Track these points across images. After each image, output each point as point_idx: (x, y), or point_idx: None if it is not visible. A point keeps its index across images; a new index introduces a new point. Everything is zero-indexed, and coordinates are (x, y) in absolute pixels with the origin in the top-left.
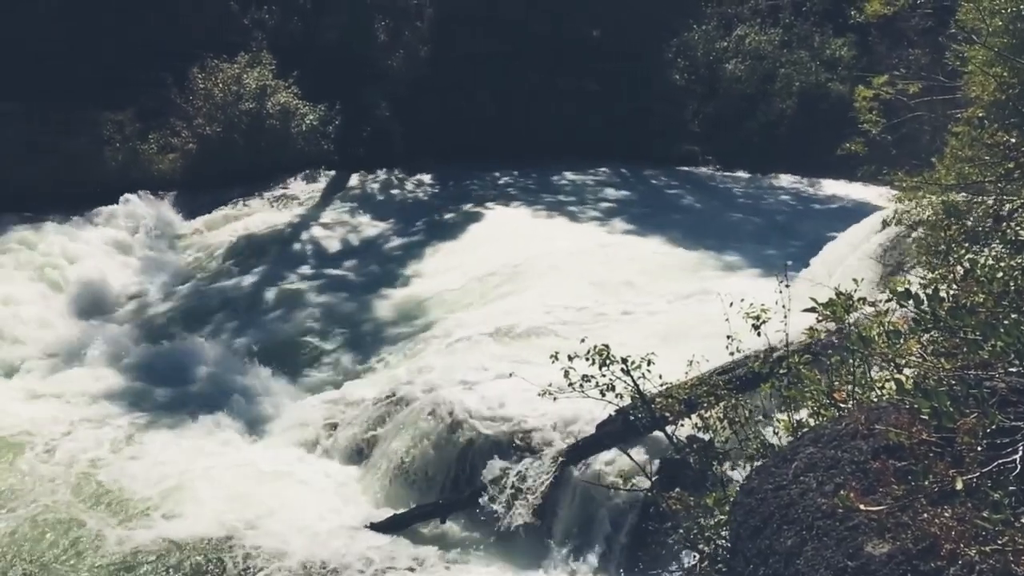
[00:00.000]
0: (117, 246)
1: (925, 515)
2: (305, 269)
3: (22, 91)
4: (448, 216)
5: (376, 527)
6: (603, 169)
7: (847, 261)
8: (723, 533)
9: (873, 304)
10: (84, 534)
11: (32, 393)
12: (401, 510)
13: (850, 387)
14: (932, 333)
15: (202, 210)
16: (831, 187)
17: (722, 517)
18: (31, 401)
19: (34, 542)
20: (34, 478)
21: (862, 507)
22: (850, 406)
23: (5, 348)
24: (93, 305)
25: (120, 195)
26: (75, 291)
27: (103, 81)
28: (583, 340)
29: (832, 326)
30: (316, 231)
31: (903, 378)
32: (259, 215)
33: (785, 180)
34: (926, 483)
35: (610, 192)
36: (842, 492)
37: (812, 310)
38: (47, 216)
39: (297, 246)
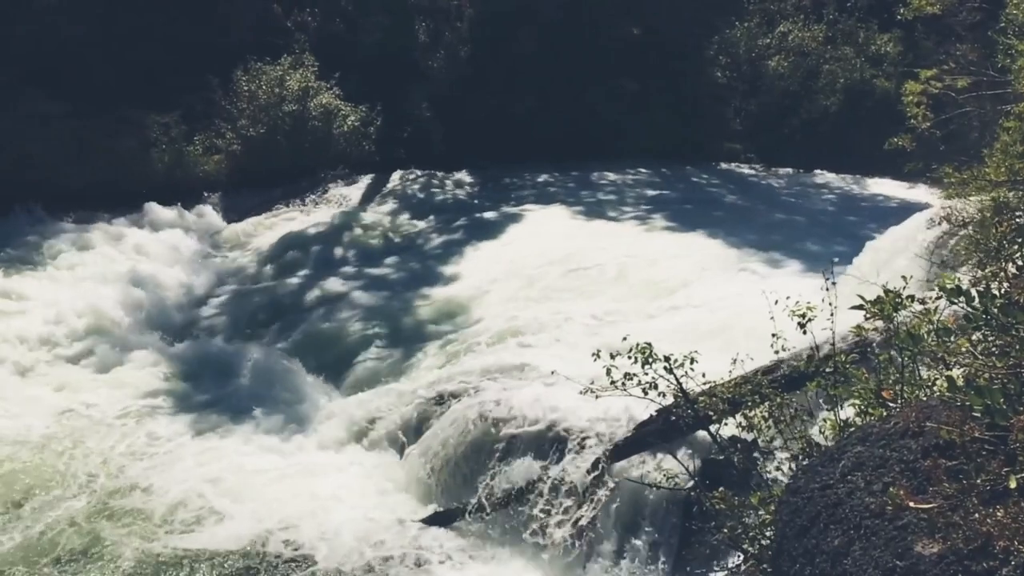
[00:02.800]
0: (163, 246)
1: (977, 514)
2: (347, 269)
3: (71, 93)
4: (488, 216)
5: (417, 523)
6: (643, 168)
7: (894, 259)
8: (768, 532)
9: (922, 302)
10: (118, 534)
11: (74, 390)
12: (442, 507)
13: (898, 386)
14: (983, 331)
15: (245, 211)
16: (876, 185)
17: (767, 516)
18: (72, 398)
19: (65, 544)
20: (67, 476)
21: (912, 505)
22: (898, 405)
23: (49, 345)
24: (138, 304)
25: (166, 196)
26: (121, 290)
27: (150, 83)
28: (625, 338)
29: (880, 324)
30: (357, 231)
31: (954, 375)
32: (301, 215)
33: (829, 178)
34: (978, 482)
35: (650, 191)
36: (892, 490)
37: (860, 307)
38: (96, 216)
39: (339, 246)
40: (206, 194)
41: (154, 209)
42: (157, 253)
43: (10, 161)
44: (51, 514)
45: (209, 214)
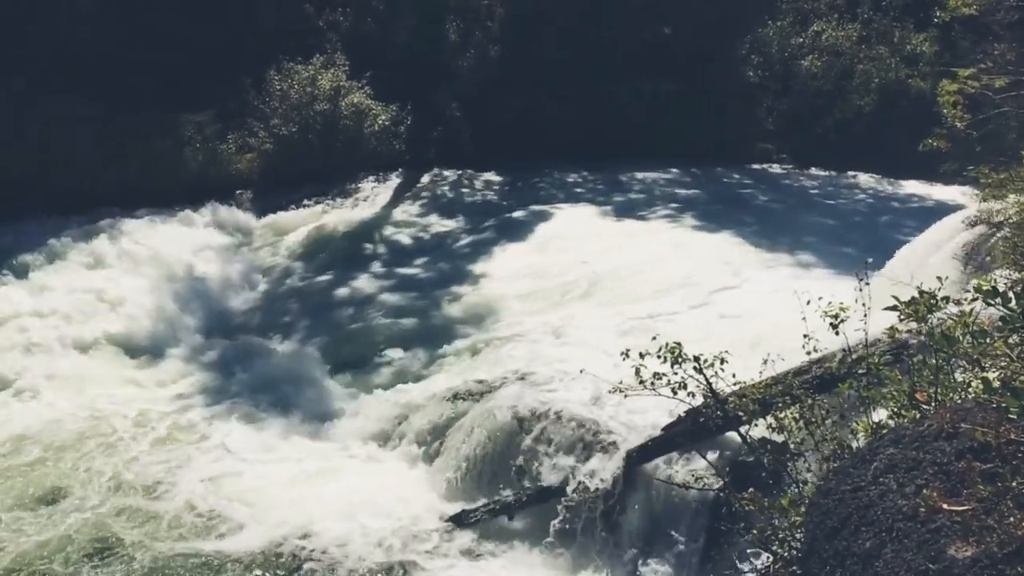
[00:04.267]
0: (195, 244)
1: (1012, 518)
2: (376, 267)
3: (108, 94)
4: (517, 216)
5: (445, 521)
6: (674, 169)
7: (929, 261)
8: (798, 534)
9: (958, 303)
10: (140, 535)
11: (105, 388)
12: (469, 505)
13: (933, 388)
14: (1021, 333)
15: (277, 209)
16: (911, 186)
17: (797, 518)
18: (102, 396)
19: (88, 543)
20: (93, 475)
21: (945, 508)
22: (932, 407)
23: (79, 344)
24: (171, 302)
25: (200, 194)
26: (153, 288)
27: (184, 84)
28: (654, 338)
29: (914, 326)
30: (387, 230)
31: (990, 377)
32: (332, 214)
33: (862, 179)
34: (1013, 484)
35: (681, 192)
36: (925, 492)
37: (894, 308)
38: (132, 214)
39: (368, 245)
40: (239, 192)
41: (189, 207)
42: (190, 251)
43: (45, 163)
44: (76, 514)
45: (241, 212)
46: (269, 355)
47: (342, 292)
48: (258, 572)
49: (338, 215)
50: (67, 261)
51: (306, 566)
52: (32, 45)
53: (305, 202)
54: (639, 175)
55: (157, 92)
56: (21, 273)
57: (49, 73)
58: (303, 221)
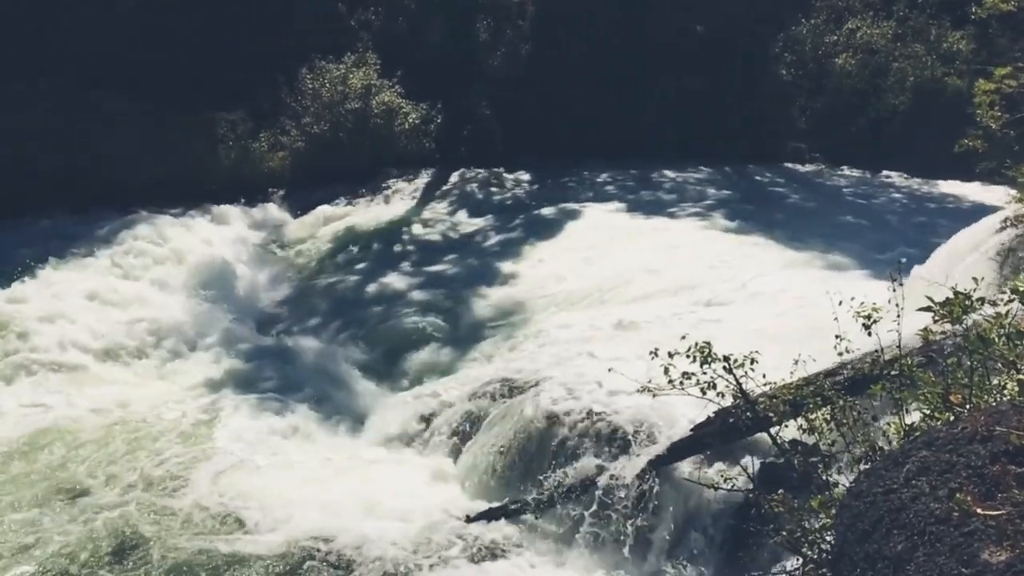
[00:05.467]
0: (227, 242)
1: None
2: (406, 265)
3: (142, 92)
4: (547, 214)
5: (471, 520)
6: (704, 167)
7: (965, 262)
8: (828, 537)
9: (993, 304)
10: (165, 532)
11: (135, 385)
12: (496, 503)
13: (967, 390)
14: None
15: (308, 207)
16: (946, 186)
17: (827, 520)
18: (133, 393)
19: (113, 541)
20: (121, 472)
21: (979, 512)
22: (967, 409)
23: (110, 341)
24: (202, 299)
25: (232, 192)
26: (185, 285)
27: (218, 82)
28: (683, 337)
29: (949, 327)
30: (417, 228)
31: None
32: (362, 212)
33: (896, 178)
34: None
35: (712, 191)
36: (958, 496)
37: (928, 309)
38: (165, 211)
39: (398, 243)
40: (271, 190)
41: (220, 205)
42: (222, 248)
43: (87, 159)
44: (103, 512)
45: (273, 210)
46: (298, 352)
47: (371, 289)
48: (279, 570)
49: (368, 213)
50: (99, 256)
51: (328, 565)
52: (70, 43)
53: (336, 200)
54: (670, 174)
55: (192, 90)
56: (55, 268)
57: (86, 70)
58: (333, 219)
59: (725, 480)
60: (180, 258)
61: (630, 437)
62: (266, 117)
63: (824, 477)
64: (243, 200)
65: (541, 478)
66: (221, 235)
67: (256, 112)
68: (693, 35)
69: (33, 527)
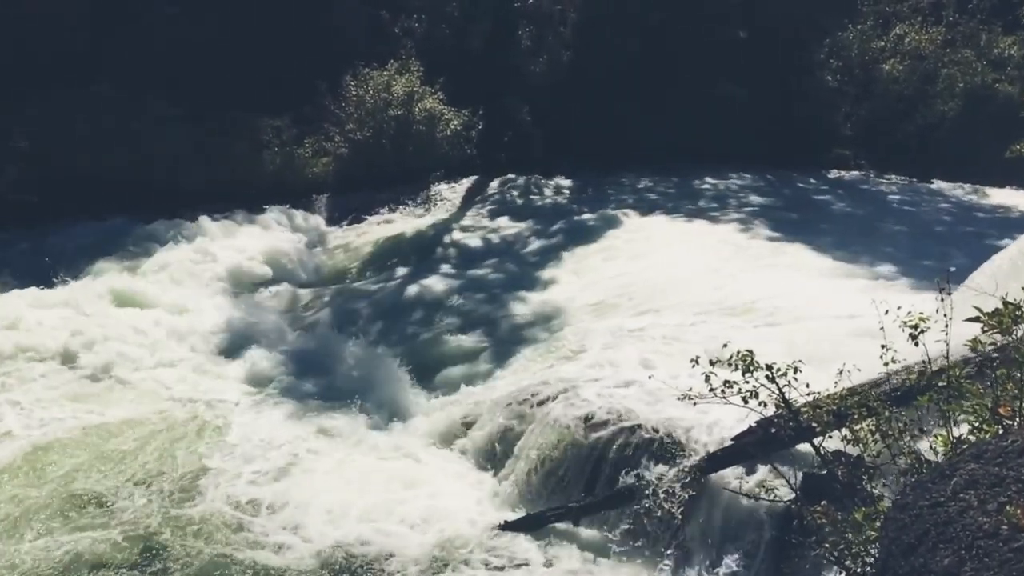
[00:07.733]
0: (271, 246)
1: None
2: (446, 270)
3: (189, 97)
4: (588, 221)
5: (508, 526)
6: (747, 174)
7: (1016, 272)
8: (872, 550)
9: None
10: (201, 534)
11: (177, 386)
12: (532, 511)
13: (1017, 402)
14: None
15: (351, 212)
16: (997, 194)
17: (872, 533)
18: (173, 394)
19: (149, 542)
20: (161, 472)
21: None
22: (1016, 422)
23: (154, 341)
24: (244, 303)
25: (276, 197)
26: (228, 289)
27: (263, 88)
28: (725, 345)
29: (998, 338)
30: (457, 234)
31: None
32: (404, 218)
33: (945, 186)
34: None
35: (755, 198)
36: (1008, 510)
37: (976, 320)
38: (211, 215)
39: (439, 248)
40: (314, 196)
41: (264, 210)
42: (265, 252)
43: (132, 163)
44: (140, 512)
45: (316, 215)
46: (340, 357)
47: (412, 294)
48: (309, 570)
49: (410, 218)
50: (146, 259)
51: (362, 569)
52: (119, 48)
53: (378, 206)
54: (712, 180)
55: (238, 96)
56: (104, 270)
57: (135, 75)
58: (376, 224)
59: (767, 491)
60: (223, 261)
61: (671, 446)
62: (310, 123)
63: (869, 489)
64: (287, 205)
65: (579, 485)
66: (264, 239)
67: (300, 118)
68: (737, 41)
69: (57, 535)
